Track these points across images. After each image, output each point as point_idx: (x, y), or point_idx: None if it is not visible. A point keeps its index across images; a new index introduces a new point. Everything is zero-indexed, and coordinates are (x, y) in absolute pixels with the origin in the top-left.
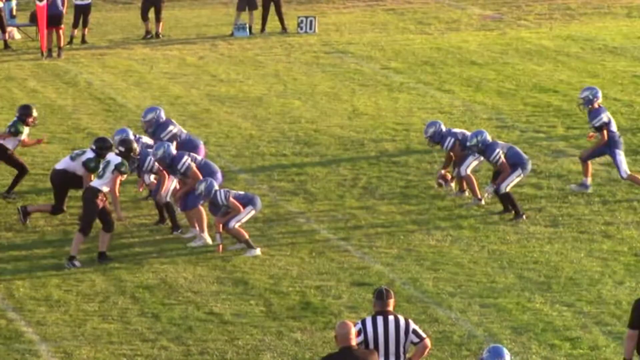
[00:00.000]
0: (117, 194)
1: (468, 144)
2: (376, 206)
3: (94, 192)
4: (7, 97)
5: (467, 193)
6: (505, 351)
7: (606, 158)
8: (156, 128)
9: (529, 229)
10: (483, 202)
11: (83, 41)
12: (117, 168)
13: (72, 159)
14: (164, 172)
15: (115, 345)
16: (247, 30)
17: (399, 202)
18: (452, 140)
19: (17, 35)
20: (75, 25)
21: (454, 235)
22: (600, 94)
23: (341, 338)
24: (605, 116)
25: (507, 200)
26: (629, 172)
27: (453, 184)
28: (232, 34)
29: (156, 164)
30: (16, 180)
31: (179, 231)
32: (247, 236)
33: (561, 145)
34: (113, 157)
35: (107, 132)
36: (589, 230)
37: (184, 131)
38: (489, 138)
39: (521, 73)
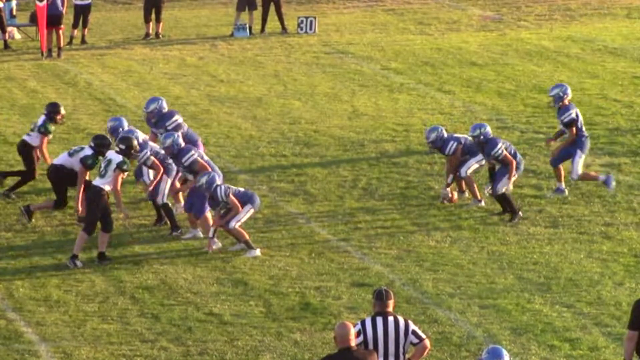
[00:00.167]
0: (119, 191)
1: (470, 134)
2: (376, 207)
3: (97, 192)
4: (7, 97)
5: (466, 194)
6: (505, 352)
7: (606, 159)
8: (159, 118)
9: (529, 230)
10: (483, 203)
11: (83, 41)
12: (119, 166)
13: (71, 155)
14: (160, 166)
15: (114, 345)
16: (247, 30)
17: (398, 203)
18: (455, 144)
19: (17, 35)
20: (75, 26)
21: (453, 236)
22: (569, 91)
23: (340, 339)
24: (574, 112)
25: (504, 201)
26: (580, 173)
27: (456, 195)
28: (232, 35)
29: (152, 157)
30: (20, 183)
31: (179, 232)
32: (247, 236)
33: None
34: (114, 156)
35: (107, 132)
36: (589, 232)
37: (185, 125)
38: (490, 131)
39: (521, 74)
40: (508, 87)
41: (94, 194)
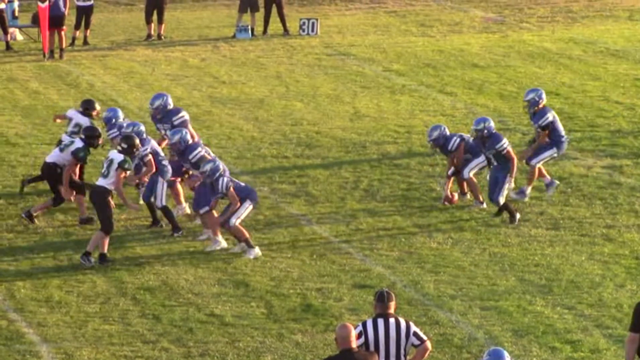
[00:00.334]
0: (121, 188)
1: (474, 127)
2: (377, 209)
3: (101, 192)
4: (9, 98)
5: (468, 196)
6: (506, 354)
7: (608, 161)
8: (165, 114)
9: (530, 232)
10: (484, 205)
11: (85, 42)
12: (121, 166)
13: (62, 150)
14: (154, 165)
15: (116, 346)
16: (249, 32)
17: (400, 204)
18: (458, 140)
19: (19, 37)
20: (77, 27)
21: (455, 238)
22: (544, 95)
23: (341, 340)
24: (550, 115)
25: (502, 207)
26: (538, 165)
27: (456, 197)
28: (234, 36)
29: (150, 155)
30: (37, 179)
31: (180, 233)
32: (247, 235)
33: None
34: (116, 155)
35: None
36: (590, 234)
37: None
38: (494, 126)
39: (523, 76)
40: (510, 89)
41: (98, 194)
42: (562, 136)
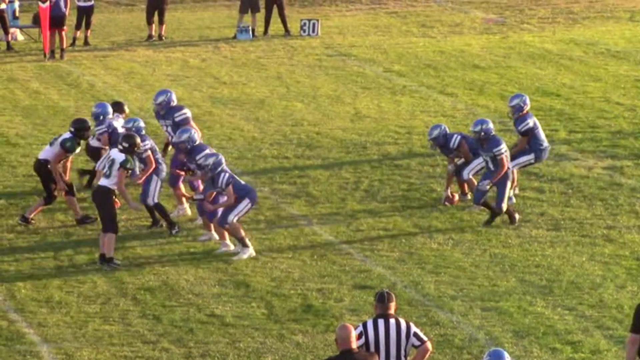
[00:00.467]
0: (124, 188)
1: (471, 129)
2: (378, 209)
3: (104, 192)
4: (9, 98)
5: (469, 196)
6: (506, 355)
7: (609, 162)
8: (168, 110)
9: (531, 233)
10: (468, 196)
11: (86, 43)
12: (123, 165)
13: (52, 145)
14: (153, 161)
15: (116, 347)
16: (250, 32)
17: (400, 205)
18: (459, 137)
19: (20, 37)
20: (78, 27)
21: (455, 239)
22: (528, 101)
23: (342, 341)
24: (531, 122)
25: (488, 207)
26: (514, 169)
27: (457, 197)
28: (234, 37)
29: (149, 151)
30: (92, 176)
31: (176, 230)
32: (243, 234)
33: (563, 149)
34: (117, 155)
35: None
36: (591, 234)
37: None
38: (492, 128)
39: (524, 77)
40: (511, 90)
41: (100, 194)
42: (542, 144)
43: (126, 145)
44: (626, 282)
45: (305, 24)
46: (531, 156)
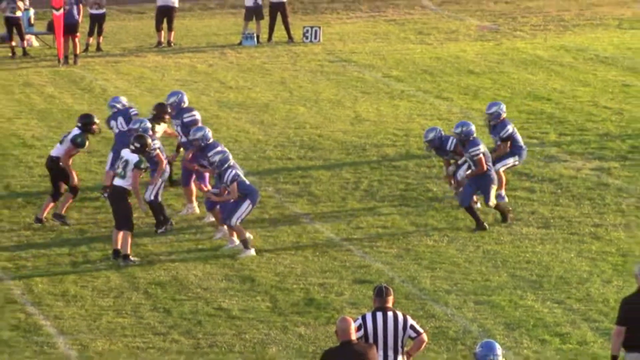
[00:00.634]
0: (138, 188)
1: (453, 130)
2: (377, 208)
3: (120, 192)
4: (25, 102)
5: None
6: (498, 346)
7: (596, 163)
8: (178, 111)
9: (522, 230)
10: (479, 205)
11: (98, 49)
12: (137, 166)
13: (62, 142)
14: (163, 160)
15: (128, 338)
16: (255, 39)
17: (398, 204)
18: (455, 140)
19: (35, 43)
20: (90, 34)
21: (450, 236)
22: (505, 108)
23: (342, 332)
24: (510, 128)
25: (472, 213)
26: (502, 170)
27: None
28: (240, 43)
29: (158, 151)
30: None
31: (163, 229)
32: (246, 236)
33: (553, 150)
34: (130, 156)
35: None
36: (579, 232)
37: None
38: (473, 130)
39: (516, 82)
40: (504, 94)
41: (117, 194)
42: (522, 146)
43: (138, 145)
44: (612, 277)
45: (307, 31)
46: (515, 158)
